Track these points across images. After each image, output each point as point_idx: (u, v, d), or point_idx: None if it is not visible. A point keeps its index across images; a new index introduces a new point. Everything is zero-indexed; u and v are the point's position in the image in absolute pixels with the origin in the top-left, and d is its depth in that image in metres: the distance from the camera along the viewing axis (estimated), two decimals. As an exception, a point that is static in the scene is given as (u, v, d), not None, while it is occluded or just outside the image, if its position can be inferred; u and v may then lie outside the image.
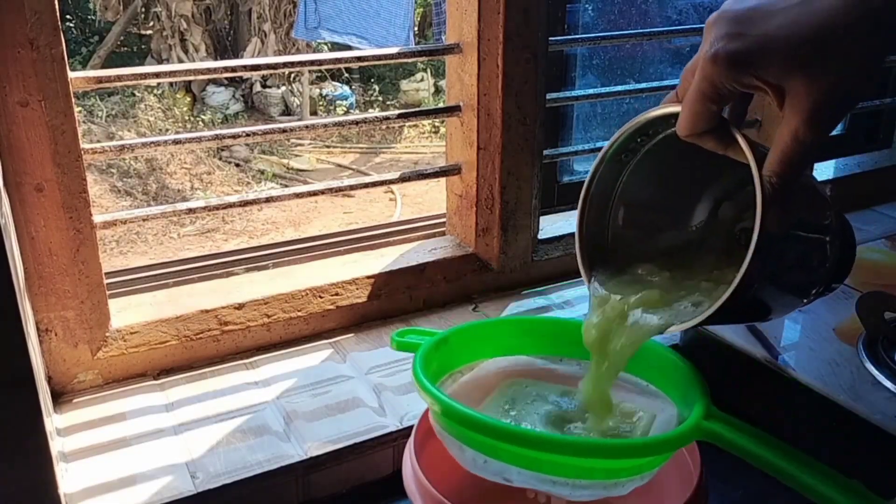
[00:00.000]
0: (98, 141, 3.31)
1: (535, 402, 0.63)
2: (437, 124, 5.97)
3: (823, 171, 1.31)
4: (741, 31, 0.46)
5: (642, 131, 0.55)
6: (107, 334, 0.83)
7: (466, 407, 0.54)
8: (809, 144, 0.45)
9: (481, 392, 0.64)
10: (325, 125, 0.97)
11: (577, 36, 1.21)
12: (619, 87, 1.16)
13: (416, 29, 4.79)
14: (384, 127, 5.75)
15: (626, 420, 0.60)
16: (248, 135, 0.88)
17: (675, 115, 0.50)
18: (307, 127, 0.96)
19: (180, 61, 6.01)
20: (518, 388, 0.65)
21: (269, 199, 0.91)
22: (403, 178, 1.01)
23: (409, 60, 1.11)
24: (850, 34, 0.44)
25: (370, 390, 0.84)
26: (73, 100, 0.75)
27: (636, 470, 0.54)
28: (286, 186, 5.00)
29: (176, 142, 0.85)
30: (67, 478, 0.71)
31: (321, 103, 6.55)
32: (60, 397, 0.82)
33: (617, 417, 0.60)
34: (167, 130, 5.66)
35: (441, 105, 1.03)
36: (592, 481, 0.53)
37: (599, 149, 1.18)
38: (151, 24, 6.52)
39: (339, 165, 5.79)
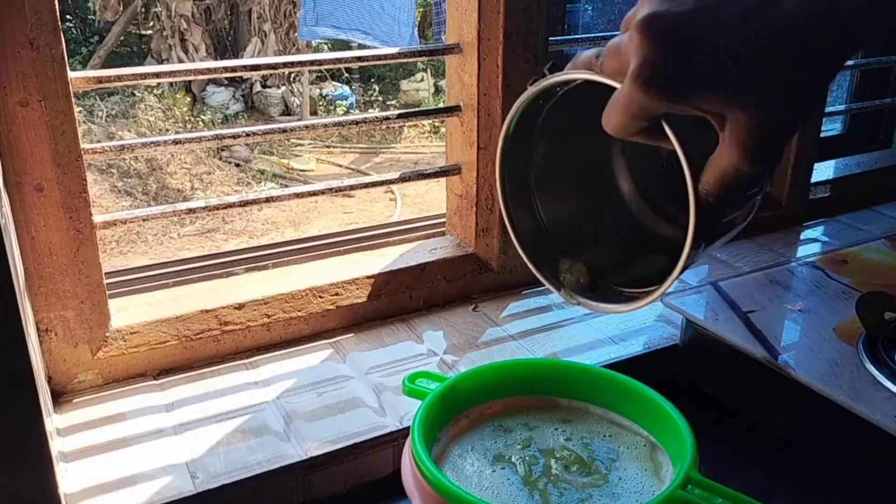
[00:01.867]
0: (98, 141, 3.31)
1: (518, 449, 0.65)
2: (437, 124, 5.97)
3: (823, 171, 1.31)
4: (679, 53, 0.39)
5: (559, 84, 0.52)
6: (107, 334, 0.83)
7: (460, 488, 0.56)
8: (749, 173, 0.42)
9: (478, 435, 0.67)
10: (325, 125, 0.97)
11: (577, 36, 1.21)
12: (619, 87, 1.16)
13: (416, 26, 4.79)
14: (384, 127, 5.75)
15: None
16: (248, 135, 0.88)
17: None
18: (307, 127, 0.96)
19: (180, 61, 6.01)
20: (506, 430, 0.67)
21: (269, 199, 0.91)
22: (403, 178, 1.01)
23: (410, 60, 1.11)
24: (806, 53, 0.39)
25: (370, 390, 0.84)
26: (73, 100, 0.75)
27: None
28: (286, 186, 5.00)
29: (176, 142, 0.85)
30: (67, 478, 0.71)
31: (321, 103, 6.55)
32: (60, 397, 0.82)
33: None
34: (167, 130, 5.66)
35: (441, 105, 1.03)
36: None
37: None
38: (151, 23, 6.52)
39: (339, 165, 5.79)
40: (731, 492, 0.55)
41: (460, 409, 0.68)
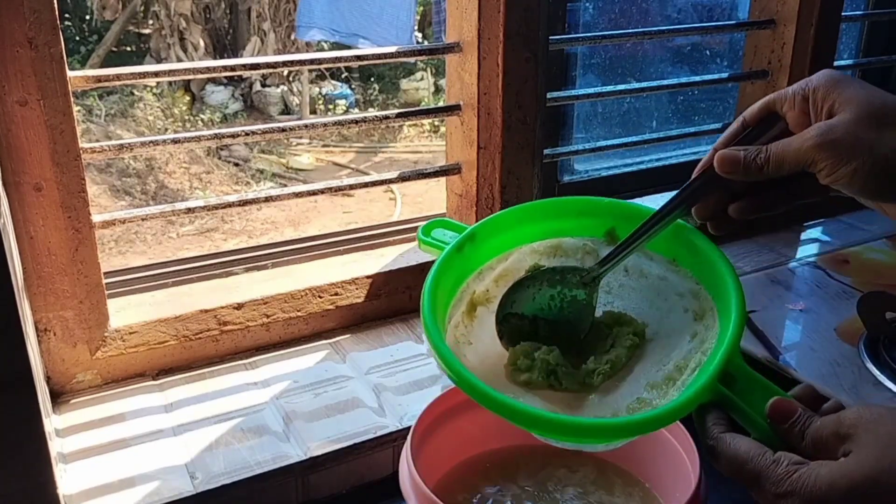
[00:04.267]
0: (97, 140, 3.30)
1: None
2: (436, 123, 5.97)
3: (824, 170, 1.30)
4: None
5: None
6: (105, 334, 0.83)
7: (467, 374, 0.51)
8: None
9: (515, 279, 0.59)
10: (325, 124, 0.97)
11: (578, 35, 1.21)
12: (620, 87, 1.16)
13: (416, 28, 4.79)
14: (384, 126, 5.74)
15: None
16: (247, 134, 0.88)
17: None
18: (306, 126, 0.96)
19: (179, 60, 6.00)
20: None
21: (268, 199, 0.91)
22: (403, 178, 1.01)
23: (409, 59, 1.11)
24: None
25: (370, 390, 0.83)
26: (72, 99, 0.75)
27: (636, 433, 0.50)
28: (285, 186, 4.98)
29: (175, 141, 0.85)
30: (66, 479, 0.71)
31: (320, 102, 6.55)
32: (59, 397, 0.82)
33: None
34: (166, 130, 5.65)
35: (441, 104, 1.02)
36: (579, 443, 0.53)
37: (600, 148, 1.18)
38: (150, 22, 6.51)
39: (339, 164, 5.79)
40: (771, 385, 0.50)
41: (484, 259, 0.59)
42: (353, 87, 6.82)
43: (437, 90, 6.69)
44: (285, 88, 6.49)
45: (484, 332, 0.58)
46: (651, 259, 0.59)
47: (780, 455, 0.46)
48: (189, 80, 6.15)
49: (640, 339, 0.56)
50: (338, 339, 0.93)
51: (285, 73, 6.37)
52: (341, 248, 1.14)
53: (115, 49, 6.54)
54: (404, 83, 6.85)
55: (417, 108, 1.06)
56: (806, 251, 1.14)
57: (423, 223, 0.62)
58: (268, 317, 0.90)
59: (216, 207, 0.89)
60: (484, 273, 0.59)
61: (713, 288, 0.56)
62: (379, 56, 0.98)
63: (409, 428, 0.65)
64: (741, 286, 0.54)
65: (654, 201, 1.26)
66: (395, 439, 0.77)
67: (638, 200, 1.20)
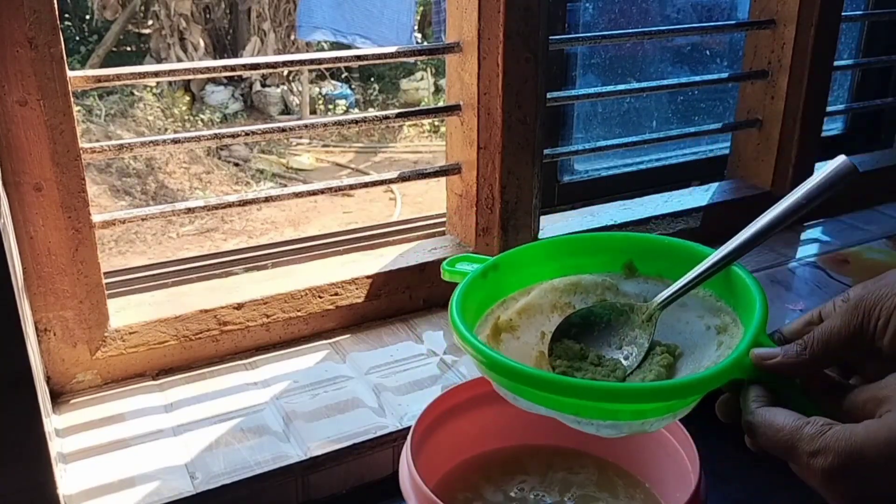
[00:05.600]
0: (97, 140, 3.30)
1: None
2: (436, 123, 5.97)
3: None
4: None
5: None
6: (105, 334, 0.83)
7: (488, 349, 0.53)
8: None
9: (538, 314, 0.62)
10: (325, 124, 0.97)
11: (578, 35, 1.21)
12: (620, 87, 1.16)
13: (416, 27, 4.79)
14: (384, 126, 5.74)
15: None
16: (247, 134, 0.88)
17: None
18: (306, 126, 0.96)
19: (179, 60, 6.00)
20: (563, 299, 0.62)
21: (268, 199, 0.91)
22: (403, 178, 1.01)
23: (409, 59, 1.11)
24: None
25: (370, 390, 0.83)
26: (72, 99, 0.75)
27: (664, 410, 0.51)
28: (285, 186, 4.97)
29: (175, 141, 0.85)
30: (66, 479, 0.71)
31: (320, 102, 6.55)
32: (59, 397, 0.82)
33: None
34: (166, 130, 5.65)
35: (441, 104, 1.02)
36: (617, 422, 0.52)
37: (600, 148, 1.18)
38: (150, 22, 6.51)
39: (338, 164, 5.79)
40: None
41: (507, 291, 0.62)
42: (353, 87, 6.82)
43: (437, 90, 6.69)
44: (285, 88, 6.49)
45: (509, 355, 0.59)
46: None
47: (814, 417, 0.45)
48: (189, 80, 6.15)
49: (673, 358, 0.58)
50: (338, 339, 0.93)
51: (285, 73, 6.37)
52: (341, 248, 1.14)
53: (115, 49, 6.53)
54: (404, 83, 6.85)
55: (417, 108, 1.06)
56: (806, 251, 1.14)
57: (448, 258, 0.65)
58: (268, 317, 0.90)
59: (216, 207, 0.89)
60: (507, 303, 0.62)
61: (734, 299, 0.58)
62: (379, 56, 0.98)
63: (409, 428, 0.65)
64: (760, 285, 0.56)
65: (654, 203, 1.26)
66: (395, 439, 0.77)
67: (638, 200, 1.20)
